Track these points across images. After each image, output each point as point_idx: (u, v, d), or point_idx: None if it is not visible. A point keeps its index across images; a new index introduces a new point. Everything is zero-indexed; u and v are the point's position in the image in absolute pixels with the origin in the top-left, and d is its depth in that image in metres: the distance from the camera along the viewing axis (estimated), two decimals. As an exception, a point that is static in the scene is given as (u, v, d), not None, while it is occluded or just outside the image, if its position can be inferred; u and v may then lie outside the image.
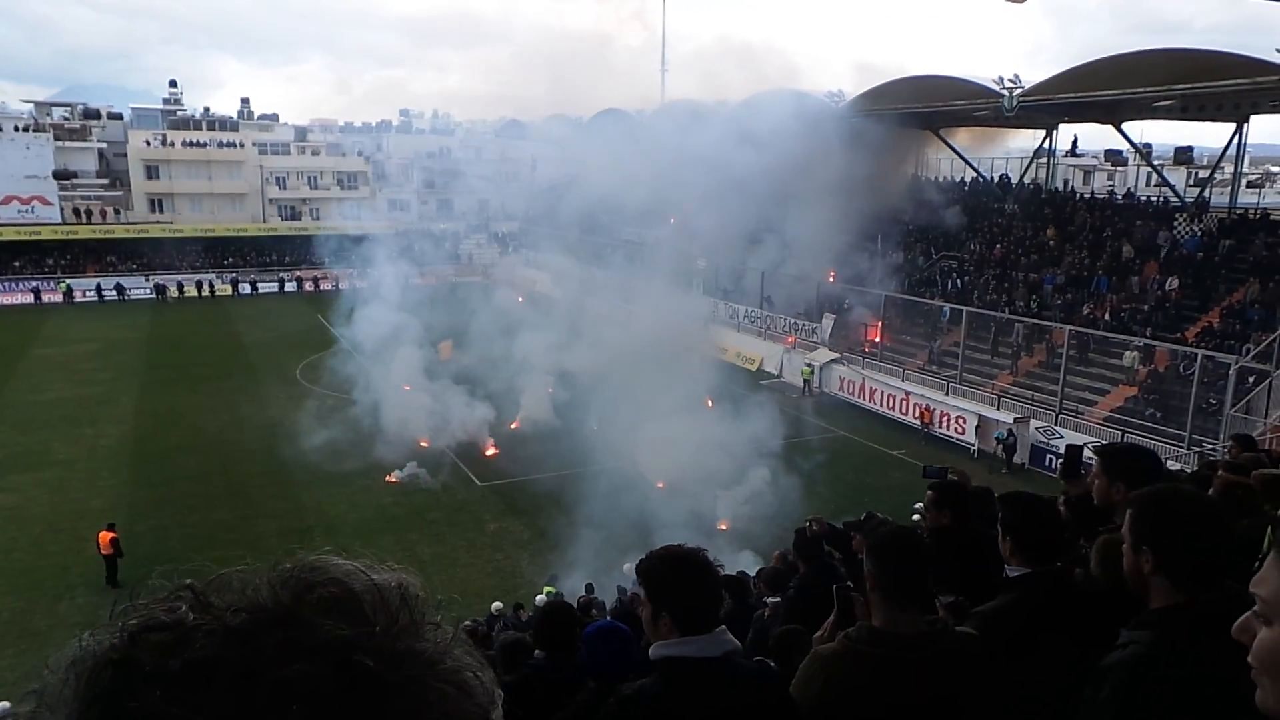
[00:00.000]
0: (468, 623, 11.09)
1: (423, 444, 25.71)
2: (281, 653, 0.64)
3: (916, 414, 28.72)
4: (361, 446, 24.61)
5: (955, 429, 27.79)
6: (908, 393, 29.84)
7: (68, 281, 54.26)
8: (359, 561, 0.72)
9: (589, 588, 15.68)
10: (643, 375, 25.80)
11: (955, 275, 35.22)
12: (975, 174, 43.42)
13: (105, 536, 18.17)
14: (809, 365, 33.66)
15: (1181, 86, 26.62)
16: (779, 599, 6.39)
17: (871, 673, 2.62)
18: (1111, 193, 40.44)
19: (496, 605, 14.91)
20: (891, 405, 30.26)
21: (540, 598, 15.46)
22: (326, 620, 0.66)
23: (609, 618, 7.64)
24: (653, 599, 2.49)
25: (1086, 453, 5.34)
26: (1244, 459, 6.60)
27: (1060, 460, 19.84)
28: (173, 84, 67.79)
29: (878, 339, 33.64)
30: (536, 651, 4.54)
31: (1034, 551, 3.12)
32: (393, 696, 0.65)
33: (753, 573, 11.67)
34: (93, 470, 24.65)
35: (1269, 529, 2.58)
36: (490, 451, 25.87)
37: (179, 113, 65.73)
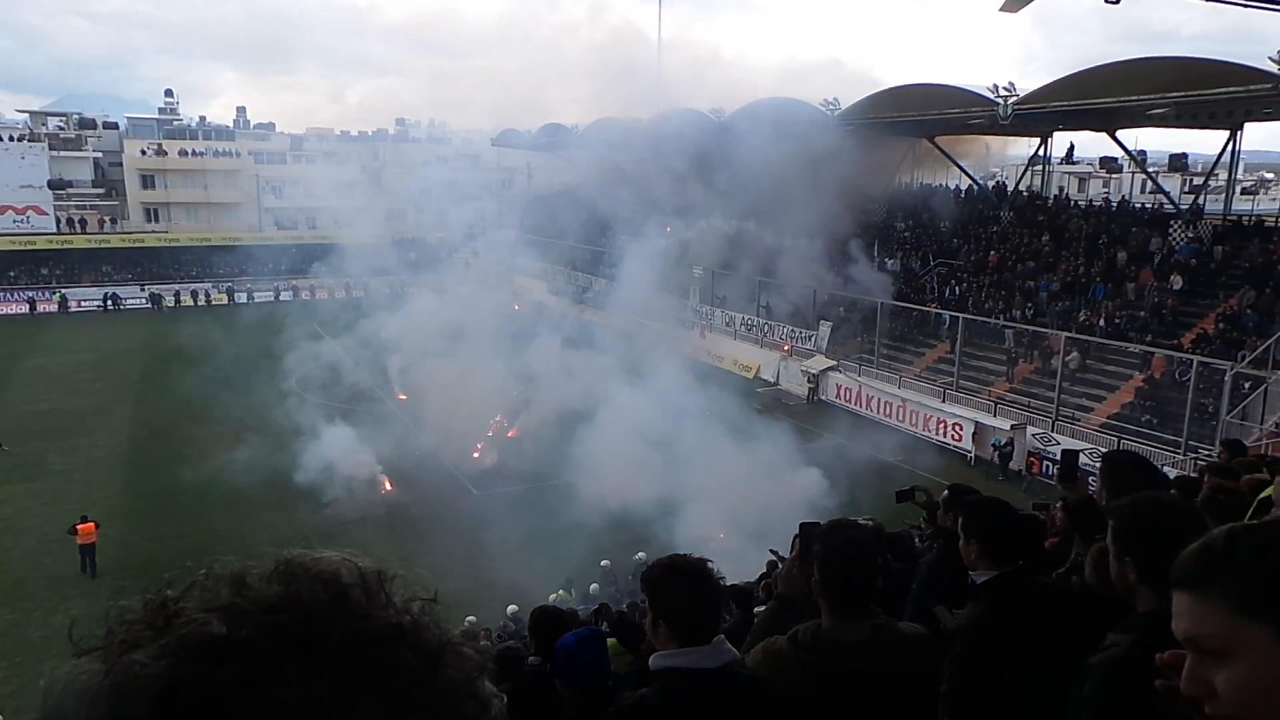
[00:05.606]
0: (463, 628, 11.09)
1: (418, 451, 25.76)
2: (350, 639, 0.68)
3: (993, 453, 26.07)
4: (356, 455, 24.50)
5: (952, 436, 27.81)
6: (904, 400, 29.86)
7: (63, 291, 54.20)
8: (342, 551, 0.79)
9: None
10: (641, 382, 25.80)
11: (952, 282, 35.27)
12: (971, 181, 43.53)
13: (88, 527, 19.14)
14: (810, 374, 33.54)
15: (1176, 94, 26.65)
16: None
17: (813, 679, 2.68)
18: (1107, 200, 40.55)
19: (470, 619, 14.83)
20: (888, 412, 30.25)
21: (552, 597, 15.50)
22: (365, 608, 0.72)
23: (605, 624, 7.63)
24: (652, 607, 2.53)
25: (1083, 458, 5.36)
26: (1233, 463, 6.61)
27: (1056, 466, 19.91)
28: (168, 93, 67.83)
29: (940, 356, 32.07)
30: (531, 658, 4.55)
31: (999, 554, 3.22)
32: (447, 663, 0.73)
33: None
34: (88, 481, 24.60)
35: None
36: (488, 460, 25.83)
37: (175, 122, 65.68)
